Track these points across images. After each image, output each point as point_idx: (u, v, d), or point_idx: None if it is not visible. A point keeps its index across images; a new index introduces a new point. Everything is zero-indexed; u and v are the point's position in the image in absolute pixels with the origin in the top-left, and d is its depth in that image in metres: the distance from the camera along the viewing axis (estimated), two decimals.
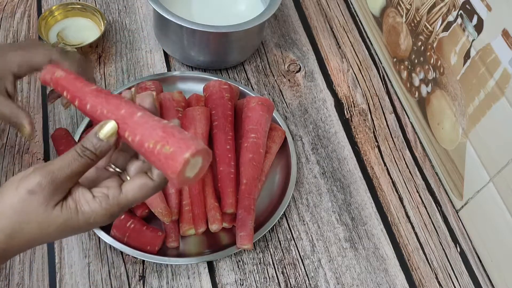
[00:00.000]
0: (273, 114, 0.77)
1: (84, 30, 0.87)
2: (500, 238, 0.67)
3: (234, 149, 0.72)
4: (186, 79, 0.82)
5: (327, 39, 0.94)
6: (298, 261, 0.68)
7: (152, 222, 0.67)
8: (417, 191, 0.77)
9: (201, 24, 0.77)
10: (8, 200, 0.41)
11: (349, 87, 0.87)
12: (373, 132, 0.82)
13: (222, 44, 0.82)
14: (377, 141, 0.82)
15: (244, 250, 0.68)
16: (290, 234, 0.71)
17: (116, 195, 0.43)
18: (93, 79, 0.65)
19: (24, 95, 0.79)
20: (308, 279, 0.67)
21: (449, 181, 0.76)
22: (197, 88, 0.80)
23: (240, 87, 0.80)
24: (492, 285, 0.70)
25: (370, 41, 0.95)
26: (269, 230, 0.69)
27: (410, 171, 0.79)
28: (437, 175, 0.79)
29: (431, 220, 0.75)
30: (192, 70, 0.86)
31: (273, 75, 0.87)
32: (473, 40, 0.67)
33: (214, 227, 0.66)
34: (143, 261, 0.66)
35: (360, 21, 0.97)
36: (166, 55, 0.87)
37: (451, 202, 0.77)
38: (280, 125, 0.77)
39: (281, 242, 0.70)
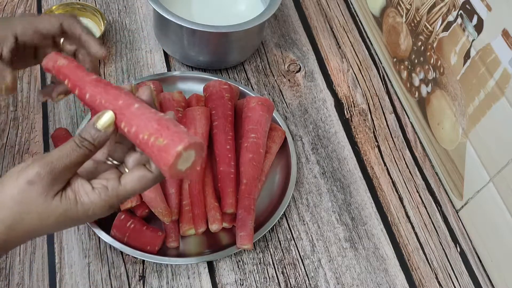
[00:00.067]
0: (273, 114, 0.77)
1: None
2: (500, 238, 0.67)
3: (234, 149, 0.72)
4: (186, 79, 0.82)
5: (327, 39, 0.94)
6: (298, 261, 0.68)
7: (152, 222, 0.67)
8: (417, 191, 0.77)
9: (201, 24, 0.77)
10: (8, 191, 0.42)
11: (349, 87, 0.87)
12: (373, 132, 0.82)
13: (222, 44, 0.82)
14: (377, 141, 0.82)
15: (244, 250, 0.68)
16: (290, 234, 0.71)
17: (115, 187, 0.44)
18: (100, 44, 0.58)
19: (24, 95, 0.79)
20: (308, 279, 0.67)
21: (449, 181, 0.76)
22: (197, 88, 0.80)
23: (240, 87, 0.80)
24: (492, 285, 0.70)
25: (370, 41, 0.95)
26: (269, 230, 0.69)
27: (410, 171, 0.79)
28: (437, 175, 0.79)
29: (431, 220, 0.75)
30: (192, 70, 0.86)
31: (273, 75, 0.87)
32: (473, 40, 0.67)
33: (214, 227, 0.66)
34: (143, 261, 0.66)
35: (360, 21, 0.97)
36: (166, 55, 0.87)
37: (451, 202, 0.77)
38: (280, 125, 0.77)
39: (281, 242, 0.70)
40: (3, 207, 0.42)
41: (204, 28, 0.77)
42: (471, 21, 0.66)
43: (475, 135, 0.69)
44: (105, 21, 0.86)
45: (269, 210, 0.71)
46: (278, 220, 0.70)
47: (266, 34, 0.93)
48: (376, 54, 0.93)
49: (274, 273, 0.67)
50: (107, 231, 0.65)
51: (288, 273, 0.67)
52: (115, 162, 0.47)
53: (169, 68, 0.86)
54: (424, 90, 0.79)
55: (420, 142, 0.83)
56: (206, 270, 0.66)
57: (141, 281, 0.64)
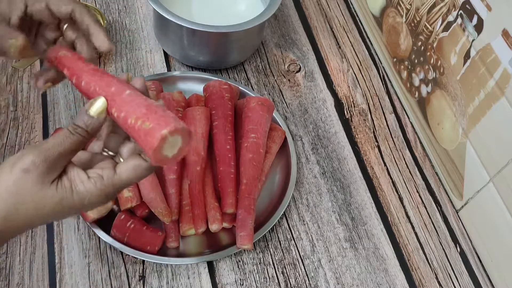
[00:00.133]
0: (273, 114, 0.77)
1: None
2: (500, 238, 0.67)
3: (234, 149, 0.72)
4: (186, 79, 0.82)
5: (327, 39, 0.94)
6: (298, 261, 0.68)
7: (152, 222, 0.67)
8: (417, 191, 0.77)
9: (201, 24, 0.77)
10: (3, 182, 0.42)
11: (349, 87, 0.87)
12: (373, 132, 0.82)
13: (222, 44, 0.82)
14: (377, 141, 0.82)
15: (244, 250, 0.68)
16: (290, 234, 0.71)
17: (110, 176, 0.44)
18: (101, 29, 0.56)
19: (24, 95, 0.79)
20: (308, 279, 0.67)
21: (449, 181, 0.76)
22: (197, 88, 0.80)
23: (240, 87, 0.80)
24: (492, 285, 0.70)
25: (370, 41, 0.95)
26: (269, 230, 0.69)
27: (410, 171, 0.79)
28: (437, 175, 0.79)
29: (431, 220, 0.75)
30: (192, 70, 0.86)
31: (273, 75, 0.87)
32: (473, 40, 0.67)
33: (214, 227, 0.66)
34: (143, 261, 0.66)
35: (360, 21, 0.97)
36: (166, 55, 0.87)
37: (451, 202, 0.77)
38: (280, 125, 0.77)
39: (281, 242, 0.70)
40: None
41: (204, 28, 0.77)
42: (471, 21, 0.66)
43: (475, 135, 0.69)
44: (105, 21, 0.86)
45: (269, 210, 0.71)
46: (278, 220, 0.70)
47: (266, 34, 0.93)
48: (376, 54, 0.93)
49: (274, 273, 0.67)
50: (107, 231, 0.65)
51: (288, 273, 0.67)
52: (110, 153, 0.47)
53: (169, 68, 0.86)
54: (424, 90, 0.79)
55: (420, 142, 0.83)
56: (206, 270, 0.66)
57: (141, 281, 0.64)
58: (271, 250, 0.69)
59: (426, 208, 0.75)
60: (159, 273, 0.65)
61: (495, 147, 0.65)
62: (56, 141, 0.43)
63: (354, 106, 0.85)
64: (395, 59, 0.87)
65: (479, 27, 0.65)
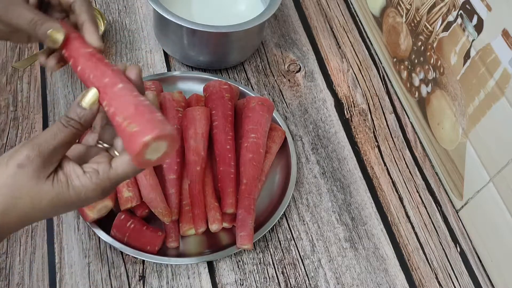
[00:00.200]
0: (273, 114, 0.77)
1: None
2: (500, 238, 0.67)
3: (234, 149, 0.72)
4: (186, 79, 0.82)
5: (327, 39, 0.94)
6: (298, 261, 0.68)
7: (152, 222, 0.67)
8: (417, 191, 0.77)
9: (201, 24, 0.77)
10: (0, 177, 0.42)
11: (349, 87, 0.87)
12: (373, 132, 0.82)
13: (222, 44, 0.82)
14: (377, 141, 0.82)
15: (244, 250, 0.68)
16: (290, 234, 0.71)
17: (106, 170, 0.43)
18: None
19: (24, 95, 0.79)
20: (308, 279, 0.67)
21: (449, 181, 0.76)
22: (197, 88, 0.80)
23: (240, 87, 0.80)
24: (492, 285, 0.70)
25: (370, 41, 0.95)
26: (269, 230, 0.69)
27: (410, 171, 0.79)
28: (437, 175, 0.79)
29: (431, 220, 0.75)
30: (192, 70, 0.86)
31: (273, 75, 0.87)
32: (473, 40, 0.67)
33: (214, 227, 0.66)
34: (143, 261, 0.66)
35: (360, 21, 0.97)
36: (166, 55, 0.87)
37: (451, 202, 0.77)
38: (280, 125, 0.77)
39: (281, 242, 0.70)
40: None
41: (204, 28, 0.77)
42: (471, 21, 0.66)
43: (475, 135, 0.69)
44: (105, 21, 0.86)
45: (269, 210, 0.71)
46: (278, 220, 0.70)
47: (266, 34, 0.93)
48: (376, 54, 0.93)
49: (274, 273, 0.67)
50: (107, 231, 0.65)
51: (288, 273, 0.67)
52: (105, 145, 0.46)
53: (169, 68, 0.86)
54: (424, 90, 0.79)
55: (420, 142, 0.83)
56: (206, 270, 0.66)
57: (141, 281, 0.64)
58: (271, 250, 0.69)
59: (426, 208, 0.75)
60: (159, 273, 0.65)
61: (495, 147, 0.65)
62: (50, 134, 0.42)
63: (354, 106, 0.85)
64: (395, 59, 0.87)
65: (479, 27, 0.65)
